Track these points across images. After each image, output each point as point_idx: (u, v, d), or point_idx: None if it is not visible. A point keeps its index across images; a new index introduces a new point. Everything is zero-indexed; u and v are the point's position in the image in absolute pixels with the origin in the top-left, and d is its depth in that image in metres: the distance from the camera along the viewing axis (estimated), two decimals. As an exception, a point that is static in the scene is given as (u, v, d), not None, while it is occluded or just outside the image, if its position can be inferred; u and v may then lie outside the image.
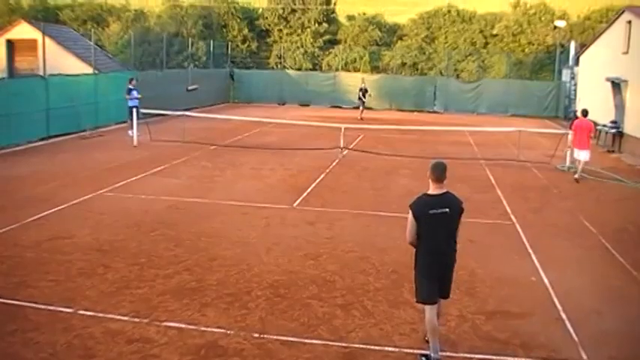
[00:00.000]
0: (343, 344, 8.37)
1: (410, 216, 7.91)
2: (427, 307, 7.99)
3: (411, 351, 8.25)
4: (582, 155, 20.70)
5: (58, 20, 49.76)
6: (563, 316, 9.50)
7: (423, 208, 7.85)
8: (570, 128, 22.47)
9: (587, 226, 14.86)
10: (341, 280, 10.72)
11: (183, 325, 8.73)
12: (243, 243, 12.67)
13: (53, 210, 14.68)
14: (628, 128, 27.34)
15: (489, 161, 23.41)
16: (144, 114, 26.33)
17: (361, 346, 8.35)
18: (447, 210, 7.83)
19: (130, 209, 15.03)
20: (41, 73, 27.47)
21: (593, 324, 9.28)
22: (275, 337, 8.49)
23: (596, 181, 20.49)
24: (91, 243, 12.32)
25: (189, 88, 37.88)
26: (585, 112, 21.58)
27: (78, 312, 9.06)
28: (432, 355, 7.88)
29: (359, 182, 19.02)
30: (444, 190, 7.95)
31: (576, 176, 20.49)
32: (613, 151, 27.47)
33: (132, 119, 25.36)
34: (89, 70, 31.54)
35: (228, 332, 8.57)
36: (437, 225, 7.84)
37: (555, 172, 21.83)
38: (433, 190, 7.95)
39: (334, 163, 21.74)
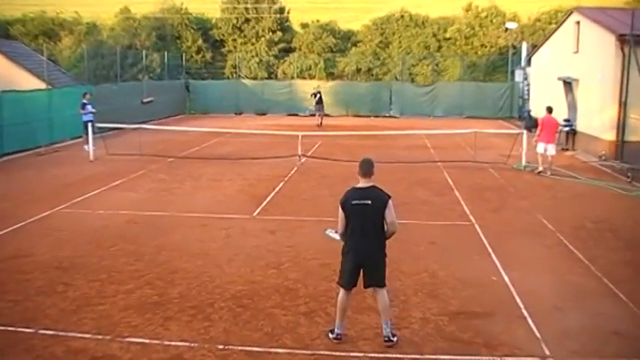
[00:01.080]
0: (308, 352, 8.38)
1: (339, 209, 8.62)
2: (341, 290, 8.77)
3: (376, 355, 8.29)
4: (550, 149, 21.73)
5: (8, 35, 48.99)
6: (525, 313, 9.62)
7: (347, 199, 8.58)
8: (536, 126, 23.05)
9: (546, 224, 15.07)
10: (304, 287, 10.72)
11: (146, 340, 8.66)
12: (204, 255, 12.60)
13: (11, 228, 14.46)
14: (580, 126, 27.84)
15: (447, 164, 23.59)
16: (100, 128, 26.06)
17: (326, 352, 8.37)
18: (369, 202, 8.44)
19: (89, 225, 14.85)
20: (-7, 89, 27.07)
21: (555, 320, 9.42)
22: (240, 347, 8.47)
23: (552, 179, 20.80)
24: (50, 260, 12.15)
25: (145, 100, 37.60)
26: (550, 109, 22.38)
27: (39, 332, 8.92)
28: (336, 330, 8.72)
29: (318, 189, 19.02)
30: (370, 185, 8.61)
31: (541, 169, 21.66)
32: (567, 149, 27.93)
33: (87, 134, 25.08)
34: (42, 85, 31.13)
35: (192, 345, 8.52)
36: (359, 215, 8.47)
37: (512, 172, 22.11)
38: (361, 184, 8.66)
39: (293, 172, 21.73)
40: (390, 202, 8.54)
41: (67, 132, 29.40)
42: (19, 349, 8.44)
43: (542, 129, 22.03)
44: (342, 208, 8.57)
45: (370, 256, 8.59)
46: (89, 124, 25.30)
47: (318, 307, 9.81)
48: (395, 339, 8.60)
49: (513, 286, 10.83)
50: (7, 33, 50.43)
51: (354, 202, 8.48)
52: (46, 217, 15.66)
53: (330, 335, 8.74)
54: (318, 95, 39.32)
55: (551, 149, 21.85)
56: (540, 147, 21.86)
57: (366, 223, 8.48)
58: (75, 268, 11.70)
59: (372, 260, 8.60)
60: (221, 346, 8.49)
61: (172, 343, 8.58)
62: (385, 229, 8.55)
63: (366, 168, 8.68)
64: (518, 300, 10.19)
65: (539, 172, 21.48)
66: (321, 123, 38.01)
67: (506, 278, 11.22)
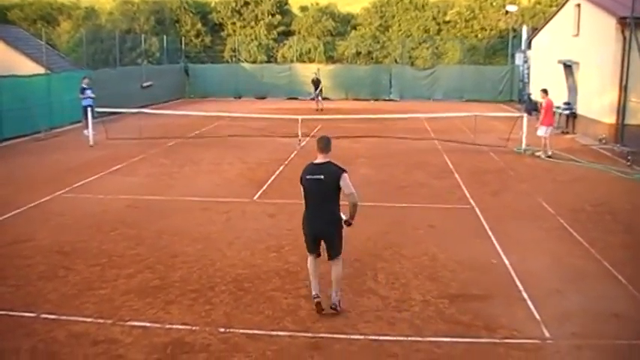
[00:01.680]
0: (309, 334, 8.42)
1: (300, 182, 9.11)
2: (309, 256, 9.26)
3: (377, 337, 8.33)
4: (549, 131, 21.95)
5: (6, 20, 48.76)
6: (525, 296, 9.66)
7: (303, 174, 9.08)
8: (537, 109, 23.10)
9: (545, 207, 15.09)
10: (304, 270, 10.66)
11: (148, 324, 8.70)
12: (205, 238, 12.64)
13: (11, 214, 14.49)
14: (581, 109, 27.77)
15: (446, 147, 23.60)
16: (99, 113, 25.99)
17: (327, 335, 8.41)
18: (322, 177, 8.83)
19: (90, 209, 14.88)
20: (-9, 74, 27.02)
21: (555, 303, 9.46)
22: (241, 330, 8.51)
23: (551, 163, 20.80)
24: (51, 245, 12.19)
25: (144, 85, 37.56)
26: (547, 91, 22.49)
27: (40, 316, 8.97)
28: (313, 291, 9.15)
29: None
30: (326, 160, 9.01)
31: (549, 153, 21.64)
32: (567, 132, 27.92)
33: (87, 118, 25.04)
34: (41, 70, 31.02)
35: (194, 328, 8.56)
36: (312, 190, 8.93)
37: (512, 155, 22.10)
38: (317, 160, 9.07)
39: (292, 155, 21.74)
40: (346, 175, 8.86)
41: (67, 117, 29.34)
42: (21, 333, 8.48)
43: (546, 111, 22.10)
44: (300, 182, 9.11)
45: (323, 229, 9.03)
46: (88, 109, 25.25)
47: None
48: (339, 309, 9.03)
49: (513, 268, 10.86)
50: (5, 18, 50.19)
51: (308, 176, 8.96)
52: (46, 202, 15.68)
53: (313, 297, 9.14)
54: (317, 80, 39.16)
55: (551, 130, 22.18)
56: (545, 130, 21.86)
57: (318, 198, 8.93)
58: (76, 253, 11.74)
59: (326, 233, 9.04)
60: (222, 329, 8.53)
61: (174, 327, 8.62)
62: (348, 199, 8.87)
63: (324, 144, 9.11)
64: (517, 282, 10.23)
65: (549, 156, 21.48)
66: (319, 108, 37.81)
67: (505, 261, 11.26)
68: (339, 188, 8.83)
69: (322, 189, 8.84)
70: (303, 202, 9.12)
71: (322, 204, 8.92)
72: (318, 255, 9.23)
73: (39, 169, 19.94)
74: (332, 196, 8.87)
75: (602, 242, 12.34)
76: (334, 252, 9.08)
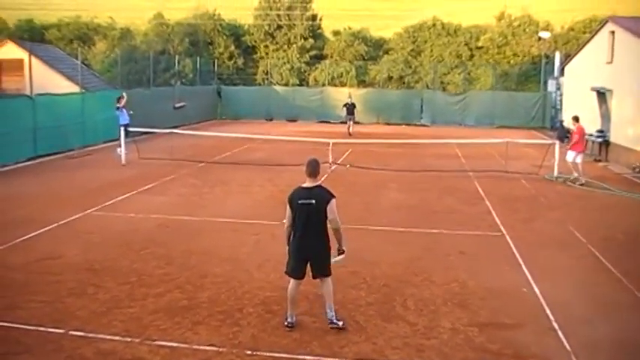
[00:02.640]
0: (336, 359, 8.35)
1: (287, 205, 9.25)
2: (291, 280, 9.38)
3: (405, 365, 8.25)
4: (580, 158, 21.86)
5: (44, 40, 49.74)
6: (555, 325, 9.51)
7: (294, 197, 9.22)
8: (567, 136, 23.07)
9: (577, 235, 14.90)
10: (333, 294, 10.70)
11: (175, 344, 8.69)
12: (234, 260, 12.64)
13: (42, 230, 14.60)
14: (614, 137, 27.52)
15: (477, 173, 23.47)
16: (132, 132, 26.23)
17: (354, 361, 8.34)
18: (313, 201, 9.07)
19: (120, 228, 14.97)
20: (28, 92, 27.44)
21: (585, 333, 9.30)
22: (268, 353, 8.46)
23: (583, 190, 20.60)
24: (80, 263, 12.26)
25: (177, 105, 37.82)
26: (578, 118, 22.54)
27: (68, 333, 9.00)
28: (288, 318, 9.32)
29: (348, 197, 18.95)
30: (315, 184, 9.25)
31: (583, 181, 21.49)
32: (600, 160, 27.65)
33: (121, 137, 25.28)
34: (76, 89, 31.52)
35: (221, 350, 8.53)
36: (303, 214, 9.08)
37: (544, 182, 21.91)
38: (307, 184, 9.26)
39: (323, 178, 21.67)
40: (333, 200, 9.12)
41: (100, 135, 29.71)
42: (49, 349, 8.51)
43: (579, 138, 22.11)
44: (290, 205, 9.22)
45: (313, 251, 9.21)
46: (124, 128, 25.47)
47: (346, 315, 9.75)
48: (340, 323, 9.23)
49: (543, 297, 10.71)
50: (43, 37, 51.20)
51: (300, 201, 9.13)
52: (76, 219, 15.80)
53: (285, 323, 9.32)
54: (351, 105, 39.09)
55: (582, 157, 22.12)
56: (574, 156, 21.81)
57: (309, 221, 9.09)
58: (105, 271, 11.79)
59: (316, 254, 9.23)
60: (249, 352, 8.50)
61: (201, 348, 8.60)
62: (329, 224, 9.13)
63: (311, 169, 9.30)
64: (548, 311, 10.08)
65: (582, 184, 21.33)
66: (350, 132, 37.75)
67: (536, 289, 11.11)
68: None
69: (313, 213, 9.07)
70: (290, 224, 9.24)
71: (313, 227, 9.11)
72: (302, 278, 9.37)
73: (70, 186, 20.13)
74: (322, 219, 9.10)
75: (634, 272, 12.13)
76: (324, 271, 9.31)
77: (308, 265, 9.29)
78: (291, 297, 9.34)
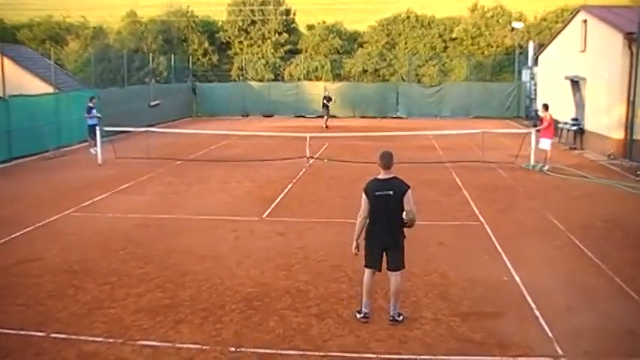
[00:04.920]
0: (320, 353, 8.37)
1: (363, 196, 9.26)
2: (367, 270, 9.46)
3: (389, 356, 8.27)
4: (549, 143, 22.28)
5: (16, 40, 49.22)
6: (537, 313, 9.58)
7: (371, 189, 9.25)
8: (541, 122, 23.30)
9: (555, 223, 15.01)
10: (314, 289, 10.70)
11: (158, 344, 8.66)
12: (214, 257, 12.60)
13: (20, 233, 14.47)
14: (588, 125, 27.75)
15: (455, 164, 23.56)
16: (107, 131, 26.06)
17: (338, 354, 8.35)
18: (391, 192, 9.14)
19: (98, 228, 14.86)
20: (1, 94, 27.12)
21: (567, 320, 9.38)
22: (251, 350, 8.46)
23: (560, 179, 20.75)
24: (60, 264, 12.16)
25: (152, 103, 37.64)
26: (547, 106, 23.03)
27: (50, 335, 8.93)
28: (363, 309, 9.38)
29: (327, 191, 19.01)
30: (391, 176, 9.34)
31: (547, 168, 21.88)
32: (575, 148, 27.87)
33: (93, 138, 25.21)
34: (50, 89, 31.23)
35: (204, 348, 8.51)
36: (381, 205, 9.13)
37: (520, 172, 22.04)
38: (382, 175, 9.35)
39: (301, 173, 21.71)
40: (410, 191, 9.17)
41: (75, 135, 29.40)
42: (31, 352, 8.44)
43: (549, 124, 22.46)
44: (367, 196, 9.23)
45: (391, 242, 9.28)
46: (96, 128, 25.37)
47: (329, 309, 9.78)
48: (400, 318, 9.32)
49: (524, 285, 10.78)
50: (15, 38, 50.66)
51: (377, 193, 9.15)
52: (55, 220, 15.68)
53: (358, 315, 9.43)
54: (328, 97, 39.29)
55: (551, 143, 22.59)
56: (545, 143, 22.16)
57: (388, 213, 9.14)
58: (85, 272, 11.71)
59: (393, 245, 9.30)
60: (233, 349, 8.48)
61: (184, 346, 8.57)
62: (404, 216, 9.05)
63: (387, 160, 9.38)
64: (529, 300, 10.15)
65: (549, 170, 21.61)
66: (326, 125, 37.87)
67: (516, 278, 11.18)
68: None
69: (391, 204, 9.11)
70: (367, 215, 9.24)
71: (391, 219, 9.15)
72: (379, 270, 9.42)
73: (47, 187, 19.94)
74: (400, 210, 9.08)
75: (613, 258, 12.24)
76: (399, 263, 9.37)
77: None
78: (367, 287, 9.42)
